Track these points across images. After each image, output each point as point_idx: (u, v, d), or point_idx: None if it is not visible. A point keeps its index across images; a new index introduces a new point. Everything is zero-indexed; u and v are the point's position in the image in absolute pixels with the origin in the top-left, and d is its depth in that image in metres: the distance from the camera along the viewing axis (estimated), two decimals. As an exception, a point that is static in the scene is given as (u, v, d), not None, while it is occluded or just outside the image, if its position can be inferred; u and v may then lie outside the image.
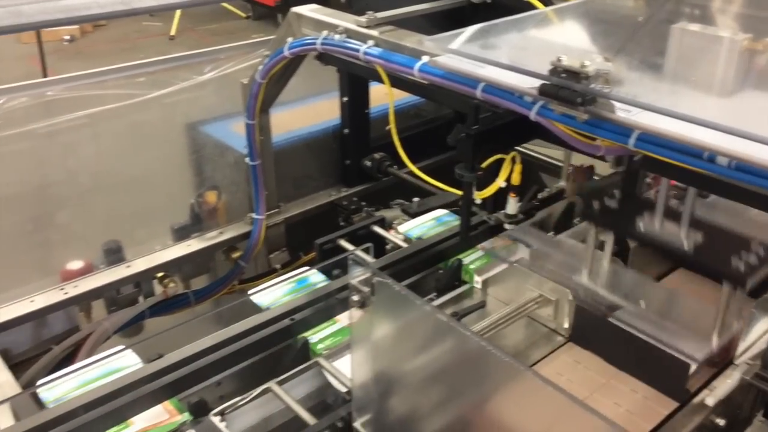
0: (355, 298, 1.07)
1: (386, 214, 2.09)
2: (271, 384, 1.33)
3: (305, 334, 1.47)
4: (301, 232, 2.27)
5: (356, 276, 1.05)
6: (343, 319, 1.51)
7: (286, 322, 1.47)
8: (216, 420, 1.22)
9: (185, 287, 2.22)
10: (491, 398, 0.98)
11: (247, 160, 2.08)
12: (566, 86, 1.09)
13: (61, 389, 1.31)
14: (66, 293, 1.90)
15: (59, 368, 1.53)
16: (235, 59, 2.13)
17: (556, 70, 1.12)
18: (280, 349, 1.44)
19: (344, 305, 1.52)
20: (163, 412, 1.25)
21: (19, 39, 6.49)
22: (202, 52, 2.16)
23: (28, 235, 1.99)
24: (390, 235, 1.91)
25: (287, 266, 2.24)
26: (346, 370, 1.36)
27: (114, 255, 2.07)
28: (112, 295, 2.05)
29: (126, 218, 2.14)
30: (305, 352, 1.45)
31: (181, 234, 2.19)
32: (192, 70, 2.08)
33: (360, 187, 2.40)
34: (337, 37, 1.65)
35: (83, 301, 1.97)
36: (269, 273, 2.22)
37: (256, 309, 1.59)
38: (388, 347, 1.11)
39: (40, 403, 1.31)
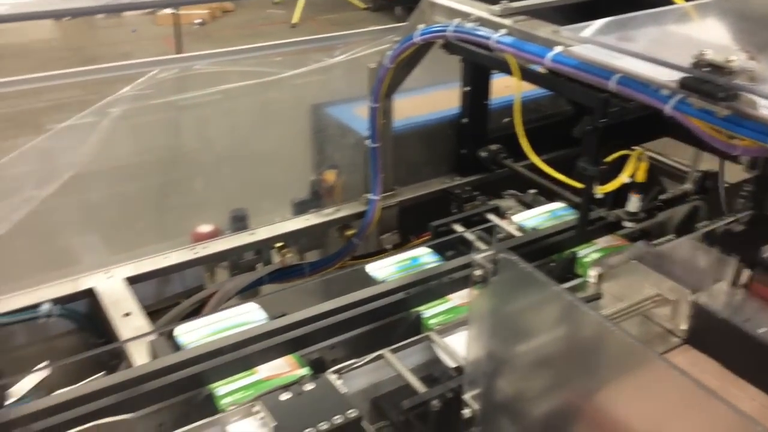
0: (478, 273, 1.11)
1: (500, 203, 2.11)
2: (385, 351, 1.40)
3: (418, 309, 1.53)
4: (412, 216, 2.33)
5: (481, 253, 1.09)
6: (455, 298, 1.55)
7: (401, 295, 1.53)
8: (333, 377, 1.30)
9: (300, 259, 2.34)
10: (612, 383, 0.99)
11: (367, 142, 2.16)
12: (709, 80, 1.08)
13: (196, 335, 1.44)
14: (196, 253, 2.05)
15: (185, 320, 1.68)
16: (363, 44, 2.21)
17: (699, 64, 1.10)
18: (394, 320, 1.50)
19: (457, 285, 1.57)
20: (285, 365, 1.35)
21: (154, 21, 6.97)
22: (334, 36, 2.26)
23: (167, 198, 2.17)
24: (504, 224, 1.93)
25: (397, 248, 2.32)
26: (456, 347, 1.41)
27: (240, 222, 2.21)
28: (235, 260, 2.19)
29: (252, 189, 2.28)
30: (417, 326, 1.51)
31: (301, 208, 2.31)
32: (323, 53, 2.19)
33: (473, 177, 2.43)
34: (468, 25, 1.69)
35: (210, 262, 2.13)
36: (379, 252, 2.29)
37: (371, 281, 1.66)
38: (506, 324, 1.15)
39: (176, 346, 1.44)
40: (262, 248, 2.23)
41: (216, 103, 2.22)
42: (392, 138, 2.21)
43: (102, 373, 1.55)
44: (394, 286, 1.55)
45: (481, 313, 1.17)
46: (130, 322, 1.77)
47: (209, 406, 1.28)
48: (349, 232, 2.31)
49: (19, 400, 1.44)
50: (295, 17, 7.61)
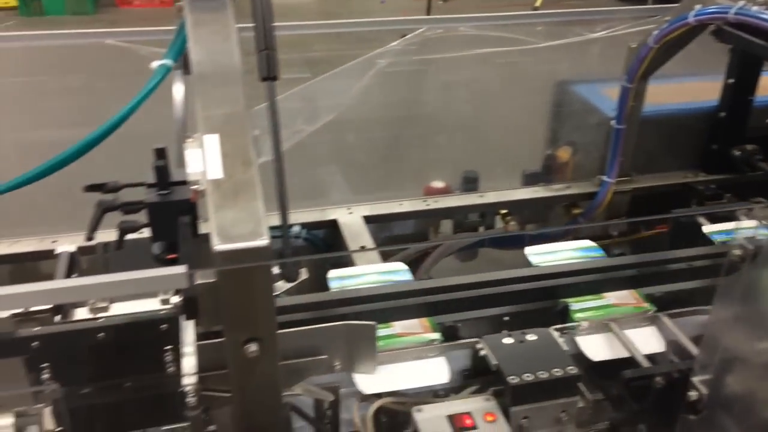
0: (737, 253, 1.07)
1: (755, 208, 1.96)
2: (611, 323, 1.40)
3: (567, 300, 1.46)
4: (645, 205, 2.25)
5: (744, 230, 1.05)
6: (609, 296, 1.48)
7: (551, 281, 1.47)
8: (555, 334, 1.34)
9: (521, 229, 2.38)
10: None
11: (612, 123, 2.12)
12: None
13: (347, 282, 1.52)
14: (427, 205, 2.18)
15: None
16: (627, 21, 2.16)
17: None
18: (536, 307, 1.46)
19: (614, 284, 1.50)
20: (418, 326, 1.39)
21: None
22: (599, 10, 2.23)
23: (407, 151, 2.32)
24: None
25: (621, 236, 2.26)
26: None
27: (470, 184, 2.30)
28: (460, 219, 2.29)
29: (486, 155, 2.35)
30: (563, 317, 1.45)
31: (531, 180, 2.34)
32: (585, 26, 2.17)
33: (720, 175, 2.28)
34: (755, 8, 1.58)
35: (437, 216, 2.25)
36: (603, 238, 2.25)
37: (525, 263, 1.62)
38: (754, 317, 1.09)
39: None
40: (487, 212, 2.30)
41: (468, 65, 2.31)
42: (638, 122, 2.15)
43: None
44: (548, 272, 1.50)
45: (729, 298, 1.13)
46: (364, 255, 1.95)
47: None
48: (576, 211, 2.30)
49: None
50: (538, 0, 7.52)
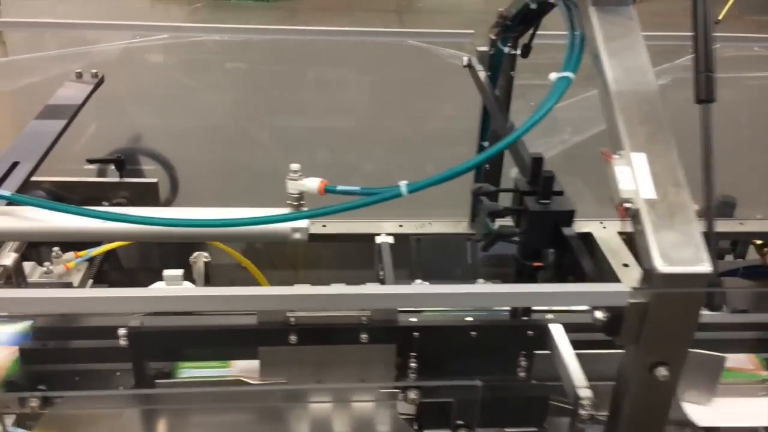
0: None
1: None
2: None
3: None
4: None
5: None
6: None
7: None
8: None
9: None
10: None
11: None
12: None
13: None
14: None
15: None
16: None
17: None
18: None
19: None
20: (747, 362, 1.33)
21: None
22: None
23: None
24: None
25: None
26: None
27: (726, 209, 2.20)
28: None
29: (747, 179, 2.23)
30: None
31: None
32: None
33: None
34: None
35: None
36: None
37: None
38: None
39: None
40: (739, 240, 2.19)
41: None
42: None
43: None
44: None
45: None
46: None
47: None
48: None
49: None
50: (721, 14, 7.11)
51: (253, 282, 1.85)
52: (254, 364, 1.27)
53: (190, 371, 1.26)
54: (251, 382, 1.20)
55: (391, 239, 1.51)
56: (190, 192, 2.21)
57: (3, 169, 1.41)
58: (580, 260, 1.09)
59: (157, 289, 1.21)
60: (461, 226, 2.23)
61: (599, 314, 0.95)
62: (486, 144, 2.02)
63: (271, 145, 2.16)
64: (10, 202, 1.16)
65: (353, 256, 2.13)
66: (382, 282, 1.49)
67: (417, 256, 1.67)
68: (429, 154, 2.12)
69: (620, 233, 2.14)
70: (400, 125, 2.15)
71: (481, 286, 1.20)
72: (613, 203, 0.99)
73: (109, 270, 1.88)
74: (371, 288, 1.12)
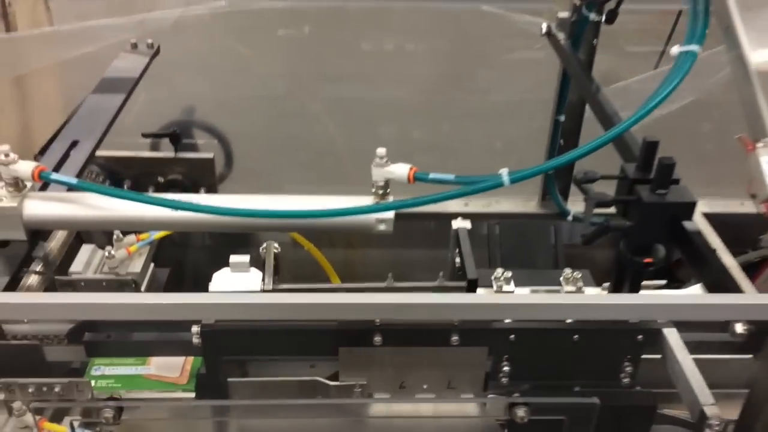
0: None
1: None
2: None
3: None
4: None
5: None
6: None
7: None
8: None
9: None
10: None
11: None
12: None
13: None
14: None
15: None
16: None
17: None
18: None
19: None
20: None
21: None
22: None
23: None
24: None
25: None
26: None
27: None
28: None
29: None
30: None
31: None
32: None
33: None
34: None
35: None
36: None
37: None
38: None
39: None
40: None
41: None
42: None
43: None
44: None
45: None
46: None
47: None
48: None
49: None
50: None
51: (320, 267, 1.76)
52: (174, 360, 1.21)
53: (102, 368, 1.21)
54: (330, 384, 1.12)
55: (468, 224, 1.40)
56: (244, 168, 2.13)
57: (62, 149, 1.33)
58: (708, 261, 0.97)
59: (236, 294, 1.11)
60: (530, 206, 2.11)
61: (740, 328, 0.84)
62: (562, 118, 1.88)
63: (328, 118, 2.05)
64: (72, 188, 1.08)
65: (413, 234, 2.03)
66: (459, 269, 1.38)
67: (496, 243, 1.56)
68: (501, 130, 1.99)
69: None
70: (471, 98, 2.02)
71: (598, 297, 1.08)
72: (756, 200, 0.87)
73: (168, 246, 1.80)
74: (467, 298, 1.03)
